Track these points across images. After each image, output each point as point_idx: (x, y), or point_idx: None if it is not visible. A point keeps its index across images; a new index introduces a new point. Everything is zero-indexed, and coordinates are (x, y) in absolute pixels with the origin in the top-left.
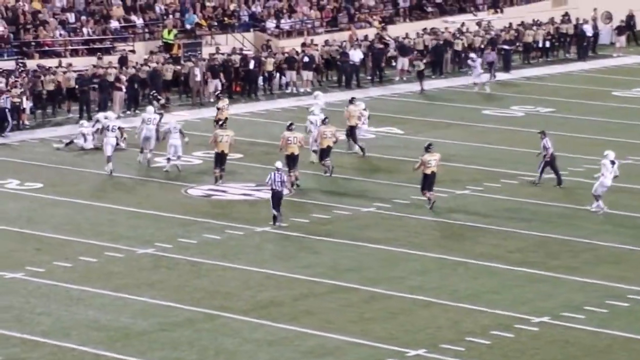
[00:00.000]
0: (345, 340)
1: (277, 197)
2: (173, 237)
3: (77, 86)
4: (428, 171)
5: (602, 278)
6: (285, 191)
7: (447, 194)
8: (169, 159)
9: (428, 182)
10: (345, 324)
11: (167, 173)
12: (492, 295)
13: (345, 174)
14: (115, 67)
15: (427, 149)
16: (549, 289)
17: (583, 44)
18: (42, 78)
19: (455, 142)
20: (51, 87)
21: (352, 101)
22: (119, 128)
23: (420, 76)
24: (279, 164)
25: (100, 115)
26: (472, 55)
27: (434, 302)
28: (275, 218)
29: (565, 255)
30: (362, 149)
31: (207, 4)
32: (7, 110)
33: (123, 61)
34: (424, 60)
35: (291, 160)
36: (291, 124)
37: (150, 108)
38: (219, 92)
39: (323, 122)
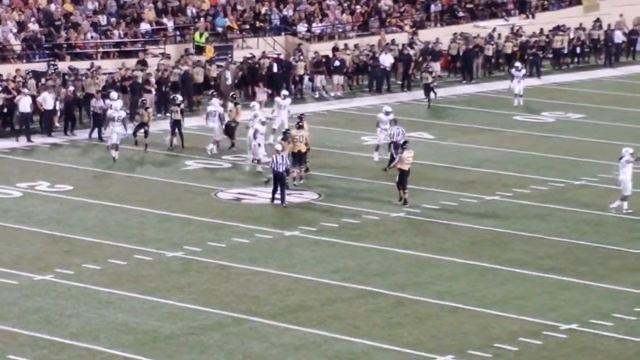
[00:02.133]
0: (373, 345)
1: (278, 178)
2: (202, 240)
3: (101, 90)
4: (405, 167)
5: (631, 285)
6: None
7: (476, 200)
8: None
9: (404, 178)
10: (372, 329)
11: (198, 176)
12: (520, 302)
13: (374, 178)
14: (145, 70)
15: (403, 145)
16: (578, 296)
17: (611, 50)
18: (83, 80)
19: (485, 148)
20: (92, 89)
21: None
22: (123, 119)
23: (428, 89)
24: (279, 147)
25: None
26: (518, 64)
27: (461, 308)
28: (273, 191)
29: (594, 262)
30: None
31: (239, 7)
32: (95, 114)
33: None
34: (434, 74)
35: (297, 158)
36: (300, 122)
37: (215, 100)
38: (233, 93)
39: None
